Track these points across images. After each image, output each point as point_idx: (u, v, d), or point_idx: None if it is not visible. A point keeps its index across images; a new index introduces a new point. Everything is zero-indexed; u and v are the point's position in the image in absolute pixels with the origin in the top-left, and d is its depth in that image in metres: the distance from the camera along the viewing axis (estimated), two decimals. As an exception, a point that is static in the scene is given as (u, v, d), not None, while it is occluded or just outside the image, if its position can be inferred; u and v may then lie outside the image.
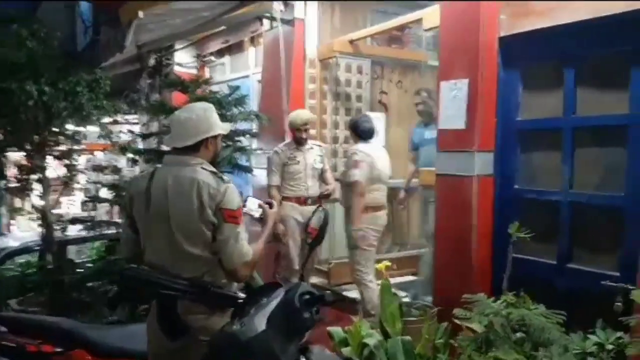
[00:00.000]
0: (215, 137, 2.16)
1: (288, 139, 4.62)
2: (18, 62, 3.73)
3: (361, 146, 4.01)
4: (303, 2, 5.08)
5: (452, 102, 3.34)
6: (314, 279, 4.91)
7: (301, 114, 4.37)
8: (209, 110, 2.18)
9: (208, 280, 2.02)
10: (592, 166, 2.91)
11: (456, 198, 3.38)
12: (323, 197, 4.28)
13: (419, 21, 4.10)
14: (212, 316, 2.02)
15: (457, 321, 2.62)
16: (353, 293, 4.40)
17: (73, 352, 2.37)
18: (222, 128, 2.21)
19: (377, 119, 5.15)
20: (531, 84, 3.18)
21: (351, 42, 5.06)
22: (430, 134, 4.58)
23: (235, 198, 2.03)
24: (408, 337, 2.87)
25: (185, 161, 2.09)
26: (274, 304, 1.72)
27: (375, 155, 4.01)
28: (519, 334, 2.45)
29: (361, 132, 4.08)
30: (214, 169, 2.10)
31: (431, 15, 3.80)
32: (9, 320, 2.51)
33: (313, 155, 4.37)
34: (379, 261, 3.64)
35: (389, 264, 3.11)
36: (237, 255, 2.00)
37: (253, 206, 2.30)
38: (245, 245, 2.03)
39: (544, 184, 3.13)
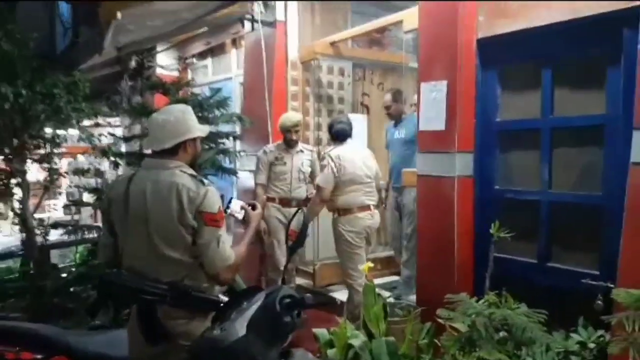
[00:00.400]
0: (194, 139, 2.14)
1: (272, 141, 4.62)
2: (-8, 64, 3.67)
3: (335, 149, 3.98)
4: (283, 2, 5.08)
5: (432, 103, 3.36)
6: (300, 280, 4.91)
7: (291, 116, 4.40)
8: (187, 113, 2.16)
9: (188, 284, 2.00)
10: (570, 166, 2.95)
11: (437, 198, 3.40)
12: (308, 201, 4.29)
13: (398, 23, 4.13)
14: (192, 321, 2.00)
15: (440, 321, 2.63)
16: (338, 294, 4.41)
17: (54, 359, 2.33)
18: (200, 130, 2.18)
19: (359, 121, 5.18)
20: (509, 85, 3.21)
21: (332, 44, 5.07)
22: (398, 133, 4.66)
23: (215, 201, 2.01)
24: (392, 338, 2.87)
25: (164, 164, 2.07)
26: (254, 307, 1.69)
27: (349, 157, 3.96)
28: (502, 334, 2.47)
29: (334, 133, 4.07)
30: (193, 172, 2.08)
31: (411, 17, 3.82)
32: None
33: (301, 158, 4.41)
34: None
35: (371, 265, 3.12)
36: (219, 259, 1.99)
37: (236, 208, 2.30)
38: (227, 248, 2.02)
39: (523, 184, 3.16)
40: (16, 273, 4.54)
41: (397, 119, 4.72)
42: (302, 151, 4.45)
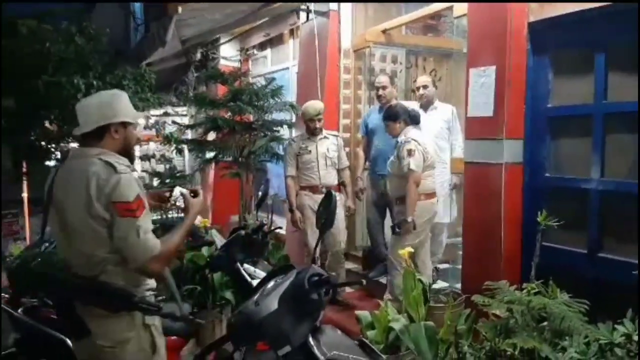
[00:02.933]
0: (124, 125, 1.98)
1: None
2: (67, 57, 4.01)
3: (412, 133, 3.84)
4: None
5: (480, 89, 3.32)
6: (349, 265, 5.01)
7: (314, 104, 4.44)
8: (117, 96, 2.02)
9: (103, 280, 1.87)
10: (624, 153, 2.83)
11: (485, 186, 3.37)
12: (341, 185, 4.36)
13: (449, 9, 4.07)
14: (109, 319, 1.89)
15: (483, 308, 2.64)
16: (383, 279, 4.47)
17: None
18: (131, 116, 2.01)
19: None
20: (561, 70, 3.11)
21: (384, 31, 5.07)
22: None
23: (130, 189, 1.83)
24: (431, 323, 2.91)
25: (85, 152, 1.94)
26: (285, 284, 1.77)
27: (424, 141, 3.87)
28: (545, 323, 2.44)
29: (413, 117, 3.93)
30: (110, 159, 1.88)
31: (461, 3, 3.76)
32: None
33: (326, 144, 4.43)
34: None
35: (412, 250, 3.15)
36: (141, 251, 1.82)
37: (178, 195, 2.21)
38: (151, 238, 1.85)
39: (574, 171, 3.07)
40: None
41: (385, 103, 4.41)
42: (326, 137, 4.47)
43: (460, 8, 3.78)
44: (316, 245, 2.00)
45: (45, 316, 2.57)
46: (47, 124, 4.30)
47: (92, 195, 1.81)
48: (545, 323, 2.44)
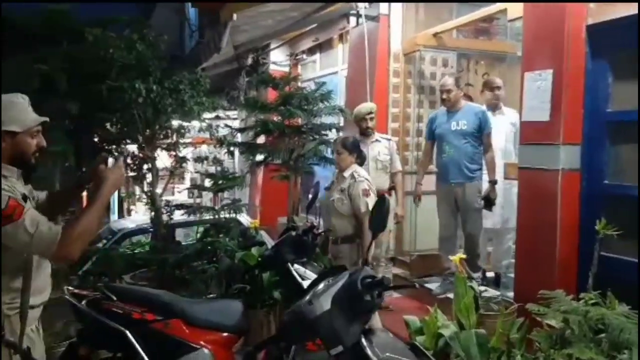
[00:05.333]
0: (14, 133, 1.90)
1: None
2: (129, 63, 4.22)
3: (361, 171, 3.77)
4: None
5: (536, 93, 3.25)
6: (396, 270, 4.99)
7: (366, 104, 4.50)
8: (6, 104, 1.91)
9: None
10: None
11: (540, 192, 3.30)
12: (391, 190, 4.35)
13: (503, 12, 4.00)
14: None
15: (538, 318, 2.58)
16: (433, 285, 4.43)
17: (171, 321, 2.67)
18: (20, 125, 1.91)
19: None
20: (621, 74, 3.01)
21: (435, 35, 5.04)
22: (456, 124, 4.24)
23: None
24: (482, 330, 2.87)
25: None
26: (338, 285, 1.81)
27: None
28: (603, 335, 2.37)
29: (361, 156, 3.85)
30: None
31: (516, 5, 3.70)
32: (118, 290, 2.82)
33: (377, 148, 4.43)
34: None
35: (463, 256, 3.12)
36: (44, 244, 1.80)
37: None
38: (45, 229, 1.80)
39: (634, 178, 2.94)
40: (144, 247, 5.17)
41: (452, 107, 4.31)
42: (378, 141, 4.47)
43: (515, 11, 3.72)
44: (368, 248, 2.03)
45: (106, 308, 2.68)
46: (108, 127, 4.53)
47: None
48: (602, 335, 2.37)
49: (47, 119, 2.00)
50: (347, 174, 3.68)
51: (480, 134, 4.17)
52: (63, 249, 1.81)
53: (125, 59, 4.15)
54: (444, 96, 4.30)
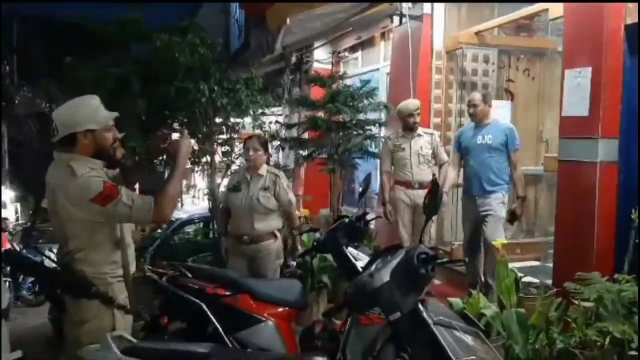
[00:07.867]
0: (92, 131, 2.16)
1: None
2: (192, 65, 4.59)
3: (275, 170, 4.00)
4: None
5: (576, 89, 3.42)
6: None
7: (413, 101, 4.70)
8: (80, 106, 2.19)
9: (72, 270, 2.13)
10: None
11: (579, 184, 3.46)
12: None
13: (544, 11, 4.16)
14: (75, 300, 2.16)
15: (572, 299, 2.77)
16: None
17: (240, 296, 3.00)
18: (96, 123, 2.16)
19: (503, 107, 5.26)
20: (659, 71, 3.15)
21: (477, 33, 5.22)
22: (482, 138, 4.19)
23: (93, 184, 2.07)
24: (522, 309, 3.07)
25: (58, 158, 2.18)
26: (396, 260, 2.02)
27: None
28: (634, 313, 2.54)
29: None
30: (75, 165, 2.10)
31: (557, 5, 3.85)
32: (193, 269, 3.17)
33: (420, 142, 4.59)
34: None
35: (505, 241, 3.32)
36: (142, 214, 2.11)
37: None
38: (138, 200, 2.11)
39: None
40: (201, 234, 5.58)
41: (479, 121, 4.25)
42: (420, 135, 4.63)
43: (557, 10, 3.87)
44: (423, 229, 2.28)
45: (184, 284, 3.00)
46: (174, 125, 4.93)
47: (66, 204, 2.09)
48: (635, 313, 2.53)
49: (117, 114, 2.27)
50: (262, 171, 3.77)
51: (507, 150, 4.12)
52: (158, 212, 2.13)
53: (189, 61, 4.51)
54: (471, 110, 4.27)
